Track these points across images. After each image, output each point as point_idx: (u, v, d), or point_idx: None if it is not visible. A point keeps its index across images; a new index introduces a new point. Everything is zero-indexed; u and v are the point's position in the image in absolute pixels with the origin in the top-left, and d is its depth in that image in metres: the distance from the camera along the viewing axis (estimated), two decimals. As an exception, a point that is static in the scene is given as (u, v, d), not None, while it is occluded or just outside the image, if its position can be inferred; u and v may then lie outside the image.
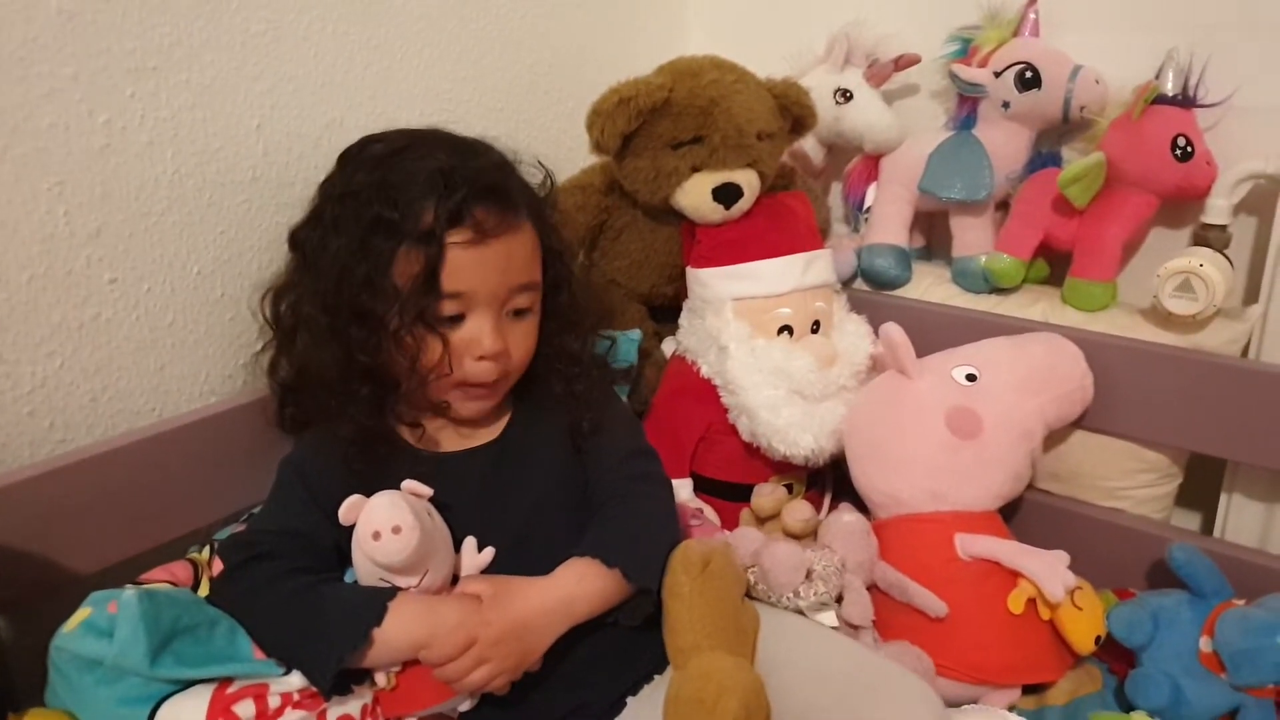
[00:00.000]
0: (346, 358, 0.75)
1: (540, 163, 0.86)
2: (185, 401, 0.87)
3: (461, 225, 0.73)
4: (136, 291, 0.82)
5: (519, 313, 0.79)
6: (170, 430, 0.80)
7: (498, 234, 0.75)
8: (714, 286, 1.04)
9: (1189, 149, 0.98)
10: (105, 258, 0.79)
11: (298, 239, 0.81)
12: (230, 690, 0.65)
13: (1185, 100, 1.00)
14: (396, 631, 0.67)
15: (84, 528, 0.74)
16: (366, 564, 0.69)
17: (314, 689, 0.67)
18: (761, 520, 1.03)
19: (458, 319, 0.76)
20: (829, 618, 0.85)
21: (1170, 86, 1.00)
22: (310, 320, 0.78)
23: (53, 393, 0.77)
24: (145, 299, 0.82)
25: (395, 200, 0.73)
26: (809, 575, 0.85)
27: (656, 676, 0.78)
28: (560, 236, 0.86)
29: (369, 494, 0.70)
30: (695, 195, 1.02)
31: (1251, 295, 1.05)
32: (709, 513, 1.05)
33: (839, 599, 0.87)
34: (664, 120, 1.00)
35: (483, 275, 0.75)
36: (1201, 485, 1.09)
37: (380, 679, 0.70)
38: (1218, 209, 1.00)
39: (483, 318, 0.76)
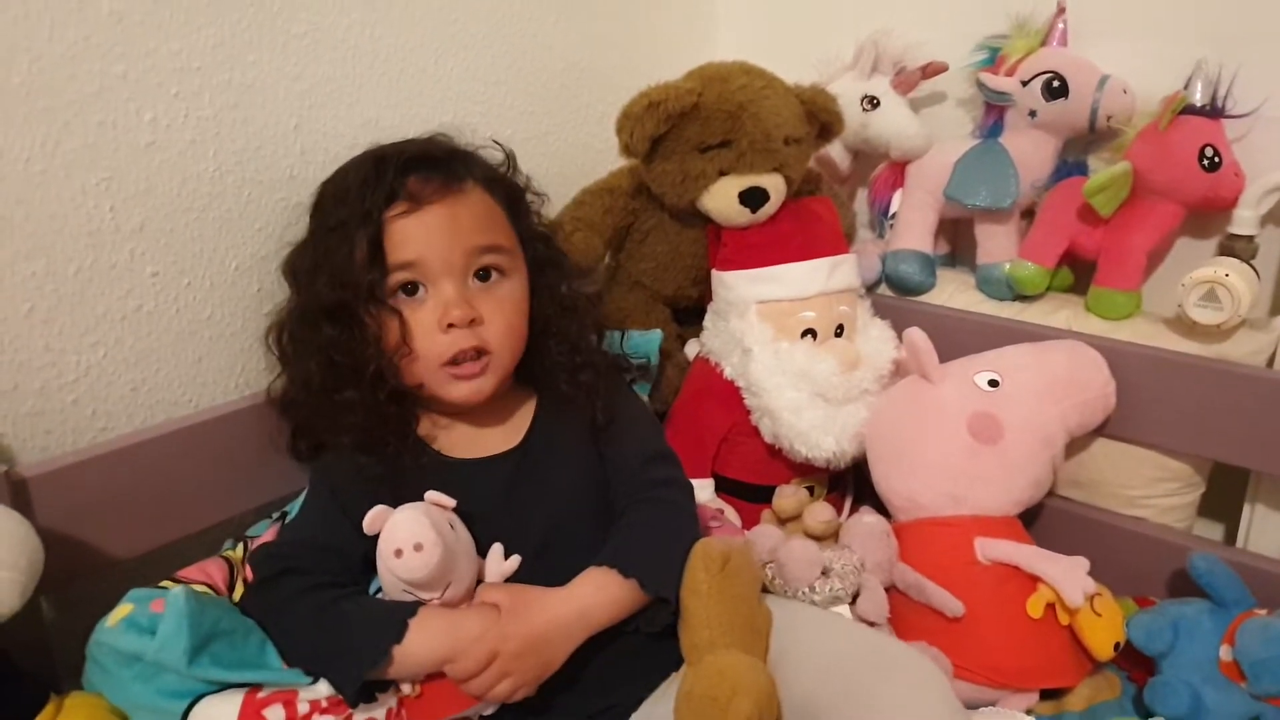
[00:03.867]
0: (328, 362, 0.76)
1: (496, 141, 0.86)
2: (221, 393, 0.89)
3: (397, 199, 0.75)
4: (177, 285, 0.84)
5: (485, 277, 0.78)
6: (207, 421, 0.82)
7: (436, 199, 0.76)
8: (739, 289, 1.05)
9: (1217, 159, 0.98)
10: (148, 252, 0.81)
11: (287, 266, 0.84)
12: (261, 695, 0.67)
13: (1214, 111, 1.00)
14: (419, 647, 0.68)
15: (123, 514, 0.76)
16: (390, 578, 0.70)
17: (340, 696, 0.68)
18: (783, 521, 1.04)
19: (419, 294, 0.76)
20: (843, 613, 0.86)
21: (1199, 97, 1.00)
22: (295, 337, 0.80)
23: (95, 382, 0.80)
24: (185, 293, 0.85)
25: (343, 197, 0.76)
26: (826, 572, 0.86)
27: (674, 674, 0.78)
28: (541, 218, 0.87)
29: (395, 503, 0.70)
30: (722, 198, 1.03)
31: (1278, 306, 1.05)
32: (730, 513, 1.06)
33: (855, 597, 0.88)
34: (692, 124, 1.01)
35: (426, 240, 0.75)
36: (1225, 495, 1.09)
37: (406, 688, 0.71)
38: (1245, 220, 1.00)
39: (443, 286, 0.76)
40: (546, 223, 0.88)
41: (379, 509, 0.70)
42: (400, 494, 0.72)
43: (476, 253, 0.77)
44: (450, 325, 0.76)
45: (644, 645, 0.77)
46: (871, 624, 0.87)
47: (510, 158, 0.87)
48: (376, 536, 0.70)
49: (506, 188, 0.83)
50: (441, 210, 0.76)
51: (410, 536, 0.67)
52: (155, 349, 0.83)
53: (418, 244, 0.75)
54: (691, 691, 0.69)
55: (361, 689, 0.67)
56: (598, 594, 0.73)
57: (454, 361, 0.77)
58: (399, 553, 0.67)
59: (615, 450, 0.85)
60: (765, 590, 0.87)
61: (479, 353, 0.77)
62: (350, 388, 0.76)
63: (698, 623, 0.74)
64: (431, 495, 0.72)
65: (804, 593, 0.86)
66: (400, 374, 0.77)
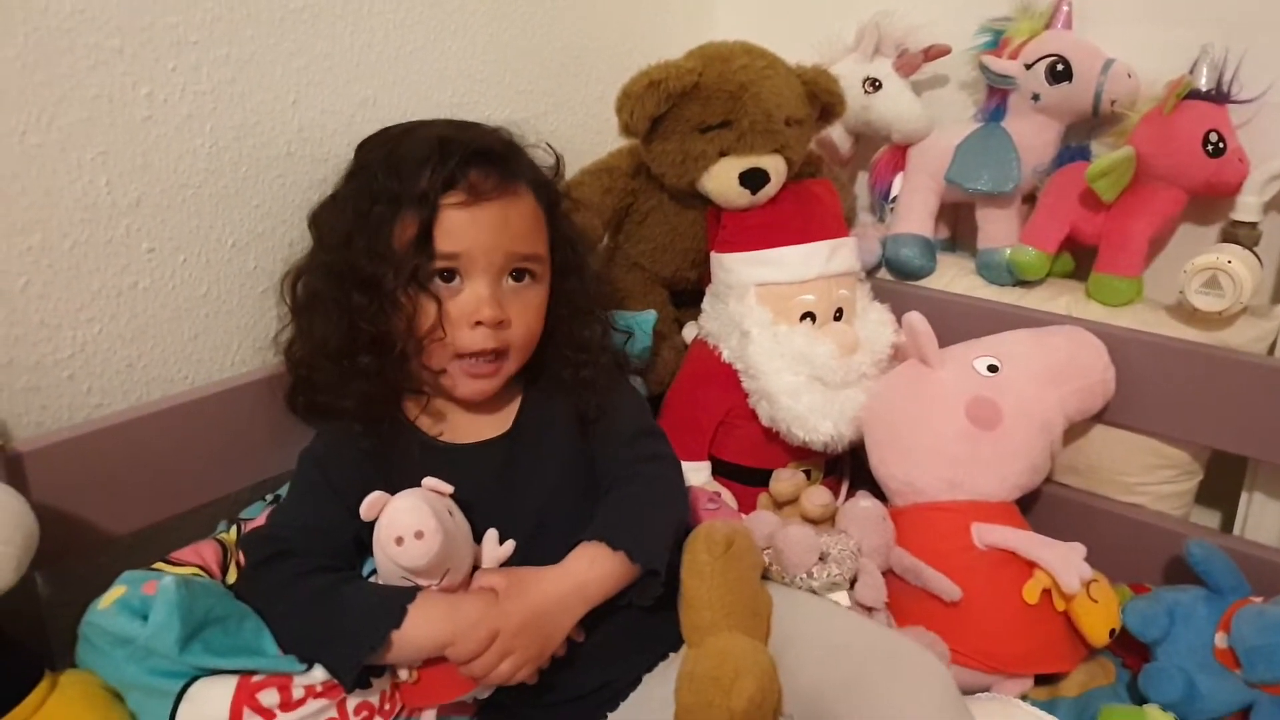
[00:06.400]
0: (350, 327, 0.77)
1: (549, 145, 0.87)
2: (217, 370, 0.89)
3: (456, 188, 0.75)
4: (173, 262, 0.83)
5: (519, 278, 0.79)
6: (202, 398, 0.82)
7: (493, 196, 0.76)
8: (738, 271, 1.04)
9: (1221, 145, 0.97)
10: (144, 227, 0.81)
11: (314, 219, 0.84)
12: (255, 679, 0.66)
13: (1219, 96, 0.99)
14: (418, 631, 0.68)
15: (118, 490, 0.76)
16: (388, 564, 0.69)
17: (335, 680, 0.68)
18: (780, 505, 1.04)
19: (455, 283, 0.77)
20: (841, 599, 0.86)
21: (1204, 82, 0.99)
22: (318, 293, 0.80)
23: (91, 358, 0.79)
24: (181, 269, 0.84)
25: (397, 170, 0.76)
26: (823, 557, 0.86)
27: (672, 654, 0.79)
28: (572, 224, 0.88)
29: (388, 487, 0.70)
30: (722, 180, 1.02)
31: (1280, 294, 1.05)
32: (727, 496, 1.06)
33: (853, 582, 0.88)
34: (693, 104, 1.00)
35: (476, 235, 0.76)
36: (1222, 483, 1.09)
37: (402, 673, 0.71)
38: (1248, 206, 0.99)
39: (479, 282, 0.77)
40: (574, 226, 0.89)
41: (376, 494, 0.69)
42: (392, 477, 0.72)
43: (518, 258, 0.79)
44: (478, 323, 0.77)
45: (638, 622, 0.77)
46: (869, 609, 0.88)
47: (559, 161, 0.88)
48: (371, 520, 0.69)
49: (550, 193, 0.84)
50: (496, 209, 0.76)
51: (412, 524, 0.66)
52: (151, 325, 0.83)
53: (467, 238, 0.75)
54: (694, 672, 0.69)
55: (359, 674, 0.67)
56: (591, 568, 0.74)
57: (472, 356, 0.78)
58: (400, 540, 0.66)
59: (603, 429, 0.85)
60: (763, 576, 0.86)
61: (497, 354, 0.79)
62: (368, 354, 0.77)
63: (700, 604, 0.74)
64: (429, 481, 0.71)
65: (802, 579, 0.86)
66: (424, 354, 0.78)
